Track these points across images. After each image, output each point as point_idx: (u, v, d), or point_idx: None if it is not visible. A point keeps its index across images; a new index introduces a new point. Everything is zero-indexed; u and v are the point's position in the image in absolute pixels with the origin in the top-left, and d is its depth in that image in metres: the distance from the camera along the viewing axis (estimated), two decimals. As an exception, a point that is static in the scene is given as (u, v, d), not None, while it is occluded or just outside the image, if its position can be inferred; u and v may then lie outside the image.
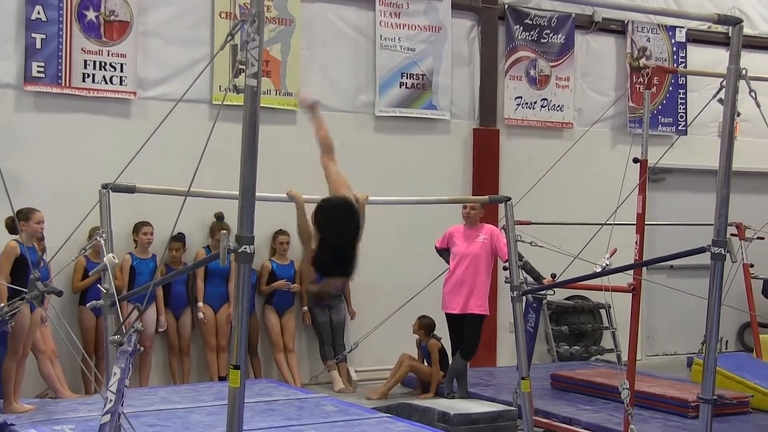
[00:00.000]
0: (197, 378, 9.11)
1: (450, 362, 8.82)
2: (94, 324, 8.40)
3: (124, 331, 3.91)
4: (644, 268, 9.13)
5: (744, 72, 4.91)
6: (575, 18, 11.26)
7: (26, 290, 4.33)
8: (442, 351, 8.98)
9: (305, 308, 9.51)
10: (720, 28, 11.39)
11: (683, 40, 11.98)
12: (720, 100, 5.01)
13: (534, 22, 11.03)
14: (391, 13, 10.20)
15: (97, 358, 8.38)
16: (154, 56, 9.12)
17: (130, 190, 4.99)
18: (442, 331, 8.95)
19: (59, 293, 4.42)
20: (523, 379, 6.06)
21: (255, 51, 3.68)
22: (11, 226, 7.22)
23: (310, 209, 4.82)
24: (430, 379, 8.92)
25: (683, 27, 11.95)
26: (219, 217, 9.06)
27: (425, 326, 9.03)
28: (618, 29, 11.65)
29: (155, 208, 8.19)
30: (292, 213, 8.20)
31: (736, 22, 4.99)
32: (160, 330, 8.78)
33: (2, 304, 4.52)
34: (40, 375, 7.86)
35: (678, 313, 11.65)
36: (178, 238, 8.79)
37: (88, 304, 4.86)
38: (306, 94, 5.47)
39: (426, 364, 9.02)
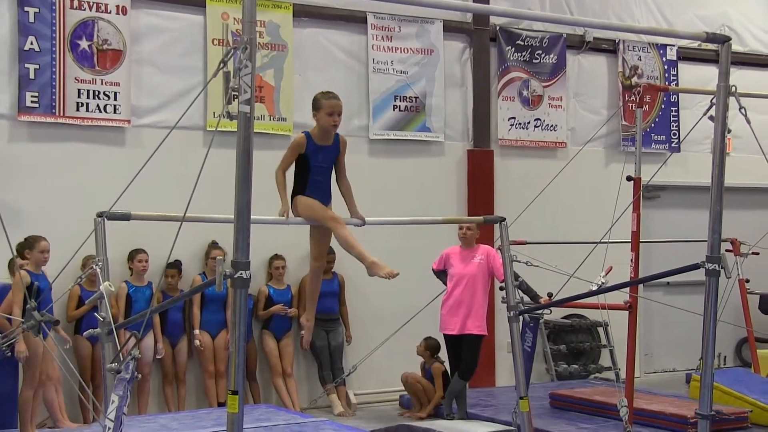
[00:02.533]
0: (195, 405, 9.09)
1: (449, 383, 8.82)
2: (90, 352, 8.38)
3: (122, 358, 3.91)
4: (641, 286, 9.15)
5: (734, 89, 4.94)
6: (567, 38, 11.32)
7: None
8: (445, 374, 8.98)
9: (303, 332, 9.48)
10: (711, 46, 11.47)
11: (674, 57, 12.05)
12: (711, 118, 5.05)
13: (526, 43, 11.09)
14: (383, 37, 10.26)
15: (93, 387, 8.36)
16: (147, 84, 9.15)
17: (126, 217, 4.99)
18: (444, 353, 8.95)
19: (56, 322, 4.43)
20: (521, 398, 6.06)
21: (247, 78, 3.71)
22: (19, 254, 7.30)
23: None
24: (430, 398, 8.93)
25: (674, 45, 12.03)
26: (214, 244, 9.07)
27: (431, 347, 9.04)
28: (609, 48, 11.72)
29: (150, 235, 8.17)
30: (287, 238, 8.21)
31: (724, 40, 5.02)
32: (158, 357, 8.76)
33: (-1, 334, 4.52)
34: (43, 402, 7.86)
35: (675, 329, 11.66)
36: (174, 265, 8.80)
37: (85, 333, 4.86)
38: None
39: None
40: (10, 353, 7.10)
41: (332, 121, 5.29)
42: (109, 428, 3.84)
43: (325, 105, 5.27)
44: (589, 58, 11.65)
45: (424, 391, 9.00)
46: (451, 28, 10.66)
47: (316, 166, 5.36)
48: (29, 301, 4.31)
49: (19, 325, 4.27)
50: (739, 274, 9.84)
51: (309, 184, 5.38)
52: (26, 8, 8.50)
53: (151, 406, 8.85)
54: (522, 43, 11.07)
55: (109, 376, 4.08)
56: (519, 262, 6.27)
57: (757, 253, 10.12)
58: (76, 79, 8.70)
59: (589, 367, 11.23)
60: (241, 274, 3.74)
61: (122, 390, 3.80)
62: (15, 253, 6.69)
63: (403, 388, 9.32)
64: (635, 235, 7.32)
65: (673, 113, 12.02)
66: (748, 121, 5.01)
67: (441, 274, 8.72)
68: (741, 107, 4.95)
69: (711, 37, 5.12)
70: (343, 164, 5.49)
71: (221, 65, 3.99)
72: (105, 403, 4.15)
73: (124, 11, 8.95)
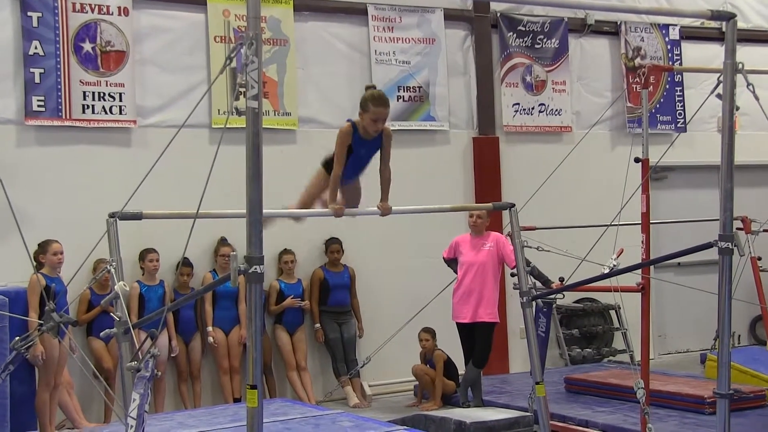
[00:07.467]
0: (211, 401, 9.12)
1: (461, 372, 8.82)
2: (106, 350, 8.41)
3: (140, 357, 3.92)
4: (652, 267, 9.14)
5: (740, 66, 4.93)
6: (568, 22, 11.29)
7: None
8: (447, 361, 8.99)
9: (317, 325, 9.52)
10: (713, 24, 11.42)
11: (677, 37, 12.01)
12: (718, 96, 5.03)
13: (527, 29, 11.07)
14: (384, 28, 10.24)
15: (109, 384, 8.39)
16: (151, 84, 9.16)
17: (137, 217, 4.99)
18: (451, 340, 8.95)
19: (74, 323, 4.45)
20: (537, 383, 6.06)
21: (254, 73, 3.71)
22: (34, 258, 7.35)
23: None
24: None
25: (676, 25, 11.99)
26: (223, 241, 9.09)
27: (433, 334, 9.04)
28: (611, 30, 11.68)
29: (160, 234, 8.23)
30: (296, 232, 8.18)
31: (729, 17, 5.00)
32: (172, 355, 8.78)
33: (17, 337, 4.53)
34: (58, 405, 7.89)
35: (688, 310, 11.65)
36: (188, 263, 8.81)
37: (101, 333, 4.86)
38: None
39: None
40: (27, 354, 7.13)
41: (375, 128, 5.26)
42: (132, 426, 3.86)
43: (372, 111, 5.23)
44: (592, 41, 11.62)
45: (433, 382, 9.00)
46: (451, 17, 10.64)
47: (356, 156, 5.37)
48: (47, 303, 4.32)
49: (36, 327, 4.29)
50: (751, 252, 9.80)
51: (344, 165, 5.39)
52: (29, 13, 8.51)
53: (167, 404, 8.88)
54: (523, 29, 11.05)
55: (127, 375, 4.09)
56: (530, 247, 6.26)
57: (769, 231, 10.09)
58: (81, 81, 8.72)
59: (603, 351, 11.23)
60: (256, 268, 3.75)
61: (143, 388, 3.81)
62: (31, 258, 6.73)
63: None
64: (645, 216, 7.29)
65: (678, 93, 11.99)
66: (757, 98, 4.99)
67: (452, 262, 8.72)
68: (749, 84, 4.93)
69: (716, 15, 5.10)
70: (387, 153, 5.43)
71: (228, 62, 3.99)
72: (124, 401, 4.17)
73: (126, 12, 8.96)
